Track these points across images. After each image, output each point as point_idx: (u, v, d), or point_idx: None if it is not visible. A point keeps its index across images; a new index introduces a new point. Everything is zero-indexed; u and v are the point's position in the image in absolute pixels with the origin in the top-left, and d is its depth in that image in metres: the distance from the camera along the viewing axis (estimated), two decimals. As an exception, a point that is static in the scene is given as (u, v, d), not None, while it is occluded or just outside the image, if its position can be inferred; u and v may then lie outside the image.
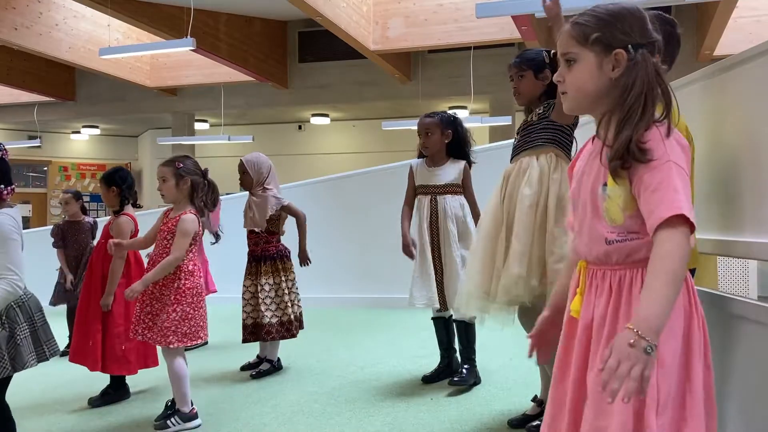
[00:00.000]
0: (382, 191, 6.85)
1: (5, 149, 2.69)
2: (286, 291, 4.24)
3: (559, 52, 1.55)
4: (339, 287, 7.12)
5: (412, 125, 11.68)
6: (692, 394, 1.41)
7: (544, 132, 2.86)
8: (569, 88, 1.53)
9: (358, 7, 9.61)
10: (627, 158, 1.39)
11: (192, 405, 3.33)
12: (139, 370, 3.83)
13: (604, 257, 1.49)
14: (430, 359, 4.05)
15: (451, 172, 3.73)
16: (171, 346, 3.20)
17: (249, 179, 4.25)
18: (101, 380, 3.87)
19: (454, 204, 3.69)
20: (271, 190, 4.27)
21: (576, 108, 1.57)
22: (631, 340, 1.24)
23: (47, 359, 2.62)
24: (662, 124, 1.42)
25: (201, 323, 3.29)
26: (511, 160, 2.98)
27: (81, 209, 5.39)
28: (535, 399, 3.10)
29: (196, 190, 3.37)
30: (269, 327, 4.14)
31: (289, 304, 4.23)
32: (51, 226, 5.76)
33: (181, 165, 3.34)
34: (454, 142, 3.75)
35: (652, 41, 1.47)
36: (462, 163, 3.74)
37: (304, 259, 4.32)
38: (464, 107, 13.00)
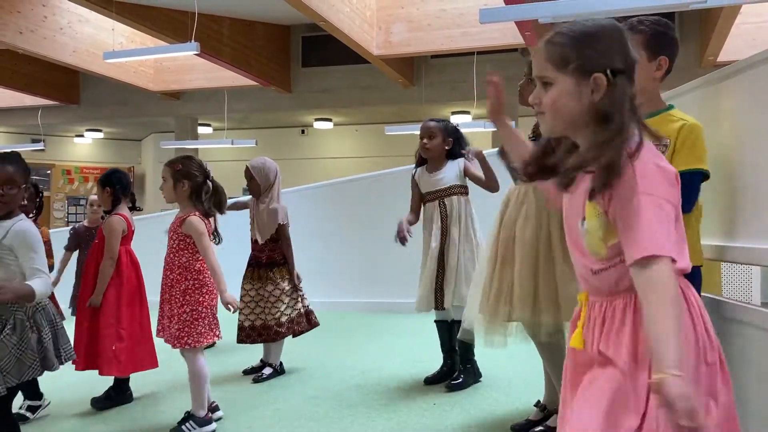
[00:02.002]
0: (385, 196, 6.86)
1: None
2: (297, 290, 4.28)
3: (534, 73, 1.49)
4: (341, 291, 7.12)
5: (415, 130, 11.68)
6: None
7: None
8: (546, 110, 1.47)
9: (361, 12, 9.63)
10: (605, 183, 1.35)
11: (211, 409, 3.33)
12: (134, 373, 3.82)
13: (596, 288, 1.48)
14: (433, 363, 4.04)
15: (451, 173, 3.79)
16: (187, 346, 3.21)
17: (256, 185, 4.23)
18: (103, 383, 3.86)
19: (460, 205, 3.75)
20: (278, 205, 4.24)
21: (553, 130, 1.50)
22: (679, 385, 1.22)
23: (63, 363, 2.72)
24: (635, 155, 1.37)
25: (214, 321, 3.30)
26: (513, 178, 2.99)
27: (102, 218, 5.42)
28: (538, 404, 3.10)
29: (197, 192, 3.36)
30: (280, 326, 4.16)
31: (299, 300, 4.27)
32: (57, 229, 5.79)
33: (180, 167, 3.34)
34: (452, 152, 3.83)
35: (631, 64, 1.43)
36: (458, 161, 3.81)
37: (295, 279, 4.27)
38: (467, 112, 13.02)
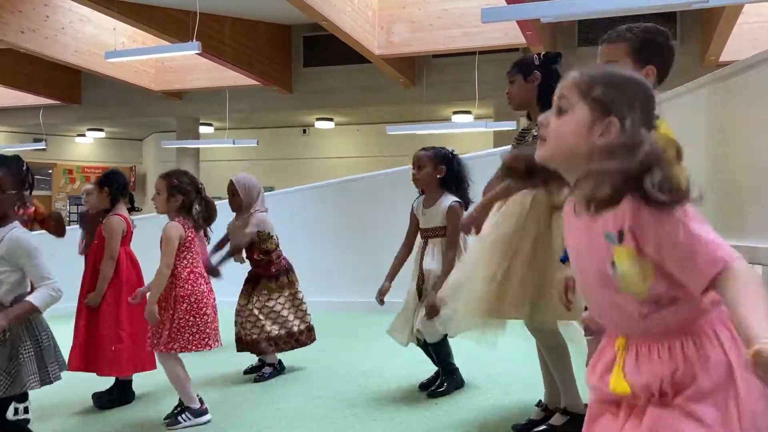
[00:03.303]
0: (386, 195, 6.86)
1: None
2: (295, 303, 4.30)
3: (556, 94, 1.45)
4: (343, 291, 7.12)
5: (417, 130, 11.73)
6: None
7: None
8: (551, 137, 1.42)
9: (363, 12, 9.63)
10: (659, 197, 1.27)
11: (202, 402, 3.38)
12: (134, 374, 3.83)
13: (645, 331, 1.39)
14: (432, 364, 4.04)
15: (438, 213, 3.63)
16: (172, 352, 3.27)
17: (239, 201, 4.21)
18: (103, 384, 3.86)
19: (441, 249, 3.62)
20: (254, 215, 4.21)
21: (550, 158, 1.44)
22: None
23: (50, 382, 2.58)
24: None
25: (206, 330, 3.32)
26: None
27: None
28: (539, 404, 3.09)
29: (189, 207, 3.42)
30: (274, 339, 4.19)
31: (295, 316, 4.29)
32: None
33: (176, 182, 3.40)
34: (449, 179, 3.65)
35: (652, 124, 1.37)
36: (447, 203, 3.60)
37: (214, 270, 4.20)
38: (468, 112, 13.02)
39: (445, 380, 3.73)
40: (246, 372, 4.37)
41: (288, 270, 4.36)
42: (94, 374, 3.75)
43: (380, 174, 7.49)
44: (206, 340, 3.31)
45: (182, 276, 3.32)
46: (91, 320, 3.70)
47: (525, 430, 3.02)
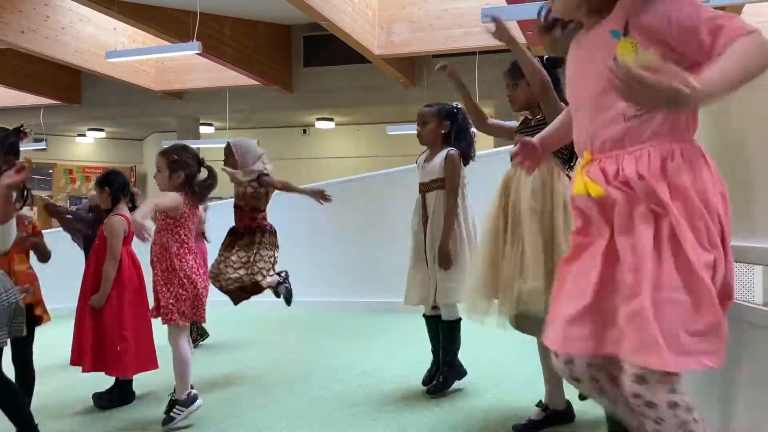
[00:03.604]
0: (386, 195, 6.86)
1: None
2: (259, 261, 4.27)
3: None
4: (343, 291, 7.12)
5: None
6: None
7: None
8: None
9: (363, 12, 9.63)
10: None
11: (191, 387, 3.38)
12: (136, 374, 3.83)
13: (619, 139, 1.48)
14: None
15: (435, 165, 3.62)
16: (172, 323, 3.29)
17: (233, 162, 4.28)
18: (104, 384, 3.87)
19: (438, 202, 3.59)
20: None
21: (566, 10, 1.59)
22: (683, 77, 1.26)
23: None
24: None
25: (197, 303, 3.35)
26: (512, 162, 2.97)
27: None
28: (539, 404, 3.09)
29: (191, 181, 3.42)
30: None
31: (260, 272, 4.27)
32: (58, 229, 5.73)
33: (176, 158, 3.38)
34: (454, 134, 3.65)
35: None
36: (444, 152, 3.59)
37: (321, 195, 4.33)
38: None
39: (443, 373, 3.69)
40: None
41: (265, 231, 4.36)
42: (93, 375, 3.75)
43: (380, 174, 7.50)
44: (199, 310, 3.36)
45: (172, 251, 3.32)
46: (96, 321, 3.70)
47: (525, 431, 3.02)
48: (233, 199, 4.44)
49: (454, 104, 3.74)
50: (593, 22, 1.56)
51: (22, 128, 3.14)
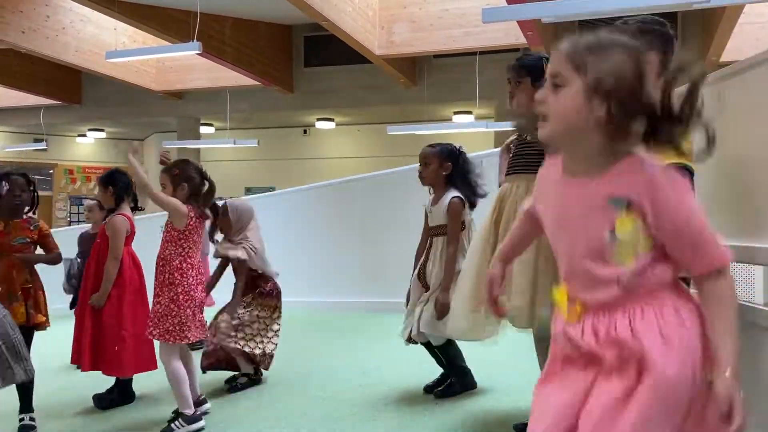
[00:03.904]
0: (387, 196, 6.87)
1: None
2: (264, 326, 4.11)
3: (549, 70, 1.41)
4: (343, 291, 7.13)
5: (417, 130, 11.72)
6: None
7: (539, 157, 2.86)
8: (551, 113, 1.39)
9: (363, 12, 9.63)
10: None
11: (204, 402, 3.37)
12: (135, 374, 3.82)
13: (612, 301, 1.41)
14: (434, 365, 4.04)
15: (440, 211, 3.59)
16: (151, 337, 3.29)
17: (228, 222, 4.10)
18: (104, 384, 3.87)
19: (443, 248, 3.57)
20: (248, 240, 4.11)
21: (553, 136, 1.41)
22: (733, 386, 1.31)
23: (12, 383, 2.71)
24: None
25: (187, 323, 3.25)
26: (507, 174, 2.96)
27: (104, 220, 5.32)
28: (539, 404, 3.09)
29: (197, 193, 3.42)
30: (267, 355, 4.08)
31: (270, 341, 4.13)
32: (59, 229, 5.72)
33: (178, 171, 3.39)
34: (456, 175, 3.61)
35: (642, 82, 1.36)
36: (448, 198, 3.55)
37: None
38: (469, 112, 13.01)
39: (456, 380, 3.70)
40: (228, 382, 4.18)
41: (267, 294, 4.19)
42: (93, 376, 3.75)
43: (381, 174, 7.50)
44: (185, 332, 3.24)
45: (173, 264, 3.29)
46: (96, 320, 3.70)
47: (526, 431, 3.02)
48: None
49: (458, 146, 3.70)
50: (581, 169, 1.42)
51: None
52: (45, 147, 14.07)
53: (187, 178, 3.38)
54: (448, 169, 3.59)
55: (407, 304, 3.74)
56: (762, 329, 1.91)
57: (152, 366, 3.80)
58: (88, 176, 17.64)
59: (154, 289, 3.32)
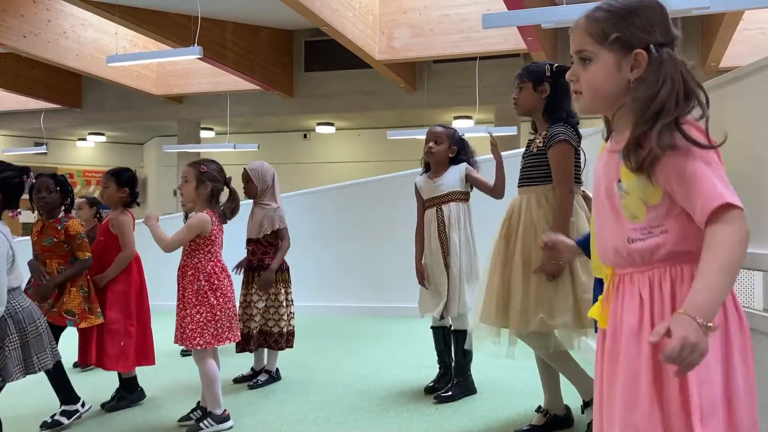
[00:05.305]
0: (387, 200, 6.87)
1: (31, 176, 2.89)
2: (283, 304, 4.19)
3: (573, 48, 1.48)
4: (343, 295, 7.13)
5: (417, 135, 11.70)
6: (736, 398, 1.35)
7: (545, 168, 2.92)
8: (584, 88, 1.46)
9: (364, 17, 9.65)
10: (657, 152, 1.32)
11: (224, 407, 3.35)
12: (136, 367, 3.81)
13: (629, 258, 1.42)
14: (435, 369, 4.04)
15: (452, 179, 3.73)
16: (198, 347, 3.22)
17: (253, 188, 4.23)
18: (103, 384, 3.87)
19: (458, 212, 3.70)
20: (276, 206, 4.22)
21: (590, 108, 1.49)
22: (693, 325, 1.21)
23: (36, 372, 2.70)
24: (694, 122, 1.38)
25: (228, 324, 3.29)
26: (518, 186, 3.05)
27: (95, 217, 5.30)
28: (539, 409, 3.10)
29: (216, 196, 3.39)
30: (276, 336, 4.14)
31: (285, 317, 4.19)
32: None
33: (206, 169, 3.34)
34: (455, 160, 3.79)
35: (673, 38, 1.42)
36: (461, 165, 3.76)
37: (267, 282, 4.13)
38: (469, 117, 13.03)
39: (455, 386, 3.71)
40: (236, 381, 4.25)
41: (281, 269, 4.27)
42: (93, 376, 3.75)
43: (381, 179, 7.50)
44: (226, 333, 3.29)
45: (206, 270, 3.26)
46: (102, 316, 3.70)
47: (528, 436, 3.03)
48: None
49: (464, 134, 3.91)
50: (622, 127, 1.46)
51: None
52: (45, 151, 14.08)
53: (212, 178, 3.35)
54: (454, 152, 3.79)
55: (421, 282, 3.77)
56: (761, 334, 1.91)
57: (150, 362, 3.81)
58: (88, 180, 17.64)
59: (185, 298, 3.25)
